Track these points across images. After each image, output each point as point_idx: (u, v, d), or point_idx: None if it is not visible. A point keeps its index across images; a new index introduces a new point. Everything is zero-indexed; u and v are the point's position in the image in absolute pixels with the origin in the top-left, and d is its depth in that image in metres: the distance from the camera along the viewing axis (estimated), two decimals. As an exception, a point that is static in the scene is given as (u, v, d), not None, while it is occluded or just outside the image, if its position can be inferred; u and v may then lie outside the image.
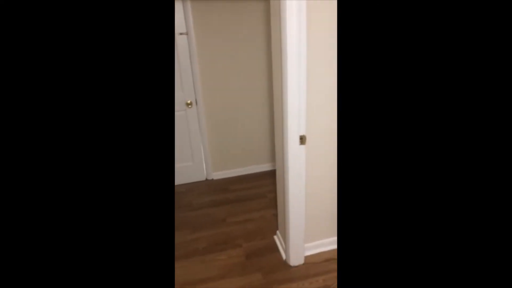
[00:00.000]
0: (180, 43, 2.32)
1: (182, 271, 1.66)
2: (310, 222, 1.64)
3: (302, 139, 1.37)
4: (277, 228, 1.98)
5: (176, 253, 1.83)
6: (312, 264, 1.66)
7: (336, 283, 1.52)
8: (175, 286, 1.58)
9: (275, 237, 1.91)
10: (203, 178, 2.83)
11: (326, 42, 1.27)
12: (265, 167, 2.99)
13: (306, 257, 1.70)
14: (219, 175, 2.85)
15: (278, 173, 1.69)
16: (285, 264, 1.68)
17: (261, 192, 2.54)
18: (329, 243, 1.74)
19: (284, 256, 1.72)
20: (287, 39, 1.18)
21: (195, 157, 2.70)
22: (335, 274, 1.58)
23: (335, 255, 1.70)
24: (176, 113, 2.52)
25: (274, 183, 2.69)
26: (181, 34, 2.29)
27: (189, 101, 2.50)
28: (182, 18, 2.26)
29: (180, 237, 1.98)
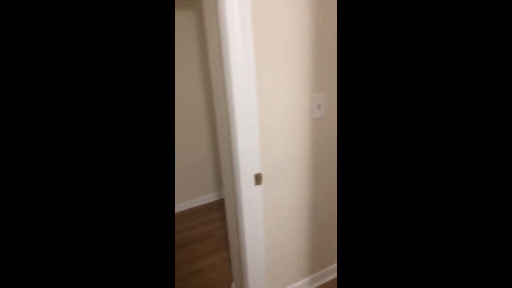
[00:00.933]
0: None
1: None
2: (272, 270, 1.36)
3: (258, 178, 1.09)
4: (231, 280, 1.65)
5: None
6: (279, 322, 1.37)
7: None
8: None
9: (231, 291, 1.57)
10: (135, 221, 2.31)
11: (284, 54, 1.04)
12: (210, 197, 2.63)
13: (271, 314, 1.40)
14: (155, 214, 2.37)
15: (229, 217, 1.38)
16: (246, 330, 1.35)
17: (208, 230, 2.17)
18: (295, 290, 1.48)
19: (244, 319, 1.40)
20: (229, 51, 0.91)
21: (122, 197, 2.19)
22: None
23: (303, 305, 1.45)
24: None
25: (222, 217, 2.35)
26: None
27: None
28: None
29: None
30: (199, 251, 1.93)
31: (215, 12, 0.98)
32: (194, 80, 2.27)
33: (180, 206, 2.47)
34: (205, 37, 2.25)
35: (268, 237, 1.27)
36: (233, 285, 1.55)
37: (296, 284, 1.48)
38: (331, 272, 1.60)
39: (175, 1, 2.02)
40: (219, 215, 2.39)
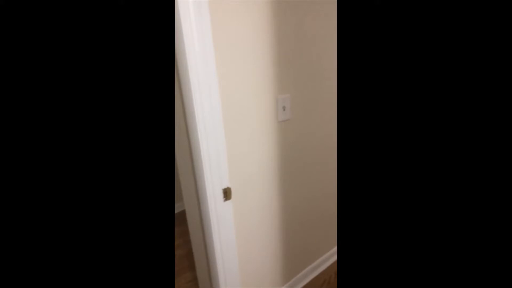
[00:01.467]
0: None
1: None
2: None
3: (227, 193, 0.97)
4: (200, 304, 1.48)
5: None
6: None
7: None
8: None
9: (200, 318, 1.41)
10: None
11: (246, 53, 0.93)
12: (165, 212, 2.38)
13: (247, 336, 1.29)
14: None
15: (194, 236, 1.23)
16: None
17: (166, 251, 1.95)
18: (270, 304, 1.39)
19: None
20: (186, 52, 0.77)
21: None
22: None
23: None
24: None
25: (179, 234, 2.14)
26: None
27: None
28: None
29: None
30: (158, 276, 1.71)
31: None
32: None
33: (130, 226, 2.19)
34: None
35: (240, 253, 1.16)
36: (202, 310, 1.39)
37: (270, 298, 1.39)
38: (306, 275, 1.55)
39: None
40: (176, 230, 2.18)
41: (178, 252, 1.93)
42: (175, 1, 0.72)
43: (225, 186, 0.96)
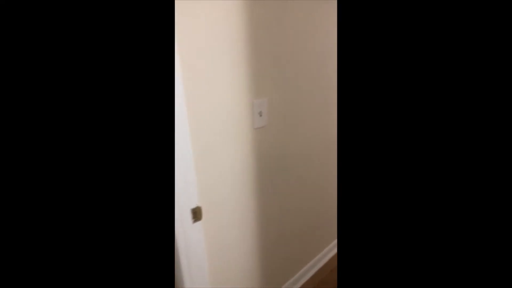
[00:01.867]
0: None
1: None
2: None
3: (197, 213, 0.83)
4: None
5: None
6: None
7: None
8: None
9: None
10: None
11: (219, 54, 0.80)
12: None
13: None
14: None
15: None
16: None
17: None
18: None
19: None
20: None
21: None
22: None
23: None
24: None
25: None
26: None
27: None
28: None
29: None
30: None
31: None
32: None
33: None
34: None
35: (213, 273, 1.03)
36: None
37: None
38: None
39: None
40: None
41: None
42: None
43: (194, 206, 0.82)
